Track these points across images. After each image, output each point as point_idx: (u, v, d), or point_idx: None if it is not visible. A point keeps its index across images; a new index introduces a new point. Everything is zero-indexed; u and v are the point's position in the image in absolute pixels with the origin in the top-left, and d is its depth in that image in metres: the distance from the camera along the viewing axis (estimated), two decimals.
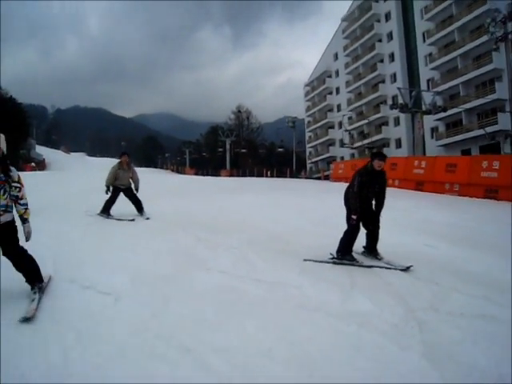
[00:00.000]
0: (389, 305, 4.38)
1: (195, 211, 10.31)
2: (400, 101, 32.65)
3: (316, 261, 6.07)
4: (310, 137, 76.32)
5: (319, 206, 11.80)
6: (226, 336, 3.63)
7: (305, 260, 6.09)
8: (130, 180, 9.81)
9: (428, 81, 46.60)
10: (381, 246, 6.27)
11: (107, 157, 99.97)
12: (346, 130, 55.37)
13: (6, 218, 4.25)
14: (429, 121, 40.12)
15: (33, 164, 61.34)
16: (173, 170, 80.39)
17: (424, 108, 30.17)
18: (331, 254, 6.17)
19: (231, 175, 52.41)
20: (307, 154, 76.11)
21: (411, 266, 5.69)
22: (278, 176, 47.75)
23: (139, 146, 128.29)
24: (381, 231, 6.29)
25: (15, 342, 3.41)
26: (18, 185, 4.34)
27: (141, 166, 65.92)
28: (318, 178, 45.29)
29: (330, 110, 68.74)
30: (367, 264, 6.01)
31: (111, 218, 9.31)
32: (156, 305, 4.25)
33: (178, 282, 5.00)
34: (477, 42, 38.87)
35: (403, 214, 10.03)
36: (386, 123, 54.89)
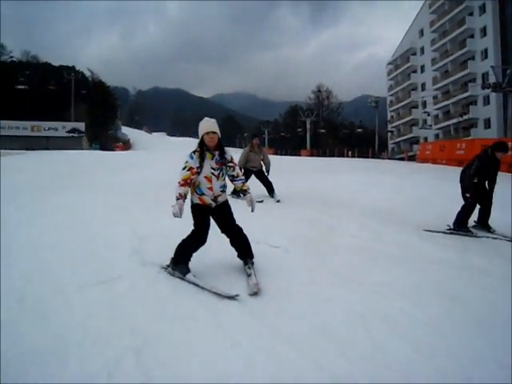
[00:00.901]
0: (498, 262, 5.25)
1: (304, 189, 11.01)
2: (493, 80, 31.43)
3: (434, 231, 6.89)
4: (392, 116, 74.79)
5: (415, 186, 12.36)
6: (379, 275, 4.69)
7: (424, 230, 6.91)
8: (261, 162, 9.98)
9: None
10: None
11: (186, 136, 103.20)
12: (425, 112, 53.97)
13: (223, 197, 4.60)
14: None
15: (121, 143, 65.27)
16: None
17: None
18: (448, 225, 7.00)
19: (311, 155, 52.63)
20: (389, 134, 74.68)
21: None
22: (359, 156, 47.37)
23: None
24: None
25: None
26: (232, 164, 4.59)
27: None
28: (401, 159, 44.56)
29: (414, 89, 66.94)
30: (481, 235, 6.74)
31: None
32: (315, 256, 5.27)
33: (324, 241, 6.01)
34: None
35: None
36: (474, 102, 52.79)
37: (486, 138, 32.25)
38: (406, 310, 3.78)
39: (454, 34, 55.52)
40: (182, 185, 4.28)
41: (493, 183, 7.13)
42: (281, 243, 5.68)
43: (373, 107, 59.37)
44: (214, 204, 4.50)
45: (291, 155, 50.70)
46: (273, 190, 9.79)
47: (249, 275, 4.46)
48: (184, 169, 4.33)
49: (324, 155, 50.82)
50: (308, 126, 66.13)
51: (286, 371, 2.88)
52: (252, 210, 4.54)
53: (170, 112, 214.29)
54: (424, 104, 61.79)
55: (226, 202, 4.64)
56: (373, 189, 11.42)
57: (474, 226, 7.11)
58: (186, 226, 4.50)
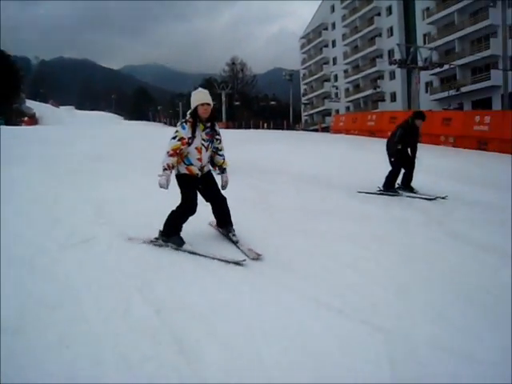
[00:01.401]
0: (416, 214, 6.45)
1: (236, 159, 11.60)
2: (398, 56, 33.87)
3: (368, 192, 7.91)
4: (305, 90, 77.01)
5: (336, 154, 13.62)
6: (320, 225, 5.60)
7: (358, 191, 7.92)
8: None
9: (424, 35, 47.31)
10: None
11: (97, 110, 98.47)
12: (334, 86, 56.69)
13: (208, 167, 4.65)
14: (424, 75, 41.29)
15: (26, 118, 60.60)
16: (165, 124, 79.33)
17: (421, 64, 31.52)
18: (378, 187, 8.05)
19: (227, 127, 52.90)
20: (302, 106, 77.07)
21: (446, 196, 7.47)
22: (274, 128, 48.53)
23: (130, 99, 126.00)
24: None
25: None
26: (219, 137, 4.63)
27: (131, 120, 63.77)
28: (315, 130, 46.69)
29: (326, 63, 69.30)
30: (406, 195, 7.83)
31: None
32: (264, 215, 6.07)
33: (267, 203, 6.81)
34: None
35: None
36: (381, 77, 55.93)
37: (393, 111, 34.91)
38: (347, 249, 4.72)
39: (362, 12, 58.05)
40: (170, 155, 4.30)
41: (414, 150, 8.10)
42: (231, 205, 6.45)
43: (287, 80, 61.09)
44: (200, 174, 4.55)
45: None
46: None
47: (236, 242, 4.64)
48: (174, 138, 4.32)
49: (240, 127, 51.34)
50: (223, 99, 66.10)
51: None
52: (223, 189, 4.72)
53: (77, 84, 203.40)
54: (336, 78, 64.57)
55: (210, 171, 4.72)
56: (298, 157, 12.44)
57: (398, 188, 8.10)
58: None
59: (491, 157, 13.87)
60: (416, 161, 8.12)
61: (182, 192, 4.49)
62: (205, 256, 4.27)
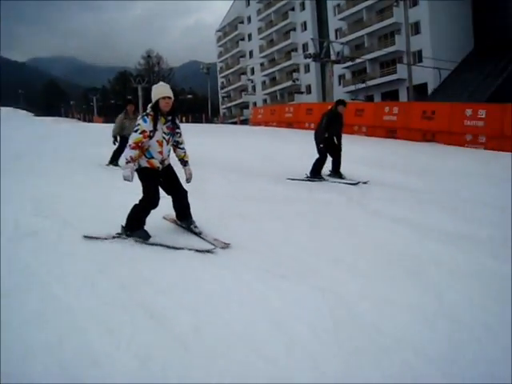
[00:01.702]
0: (338, 196, 7.04)
1: None
2: (312, 50, 35.15)
3: (295, 179, 8.39)
4: (222, 83, 77.30)
5: (255, 144, 14.11)
6: (250, 208, 5.94)
7: (288, 179, 8.40)
8: None
9: (336, 30, 49.32)
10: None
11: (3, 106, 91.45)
12: (249, 79, 57.67)
13: (168, 161, 4.70)
14: (337, 69, 43.16)
15: None
16: (79, 119, 75.83)
17: (334, 58, 33.01)
18: (306, 174, 8.52)
19: None
20: (220, 99, 77.37)
21: (368, 181, 8.13)
22: (193, 122, 48.22)
23: (39, 94, 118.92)
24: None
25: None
26: (180, 131, 4.73)
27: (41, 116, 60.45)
28: (234, 123, 47.23)
29: (243, 56, 70.08)
30: (331, 181, 8.41)
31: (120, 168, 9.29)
32: (200, 201, 6.21)
33: (201, 191, 6.83)
34: None
35: None
36: (296, 70, 57.42)
37: (310, 103, 36.14)
38: (280, 228, 5.19)
39: (277, 6, 59.32)
40: (133, 147, 4.34)
41: (339, 137, 8.62)
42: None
43: (204, 73, 61.05)
44: (161, 167, 4.60)
45: None
46: None
47: (200, 233, 4.74)
48: (136, 131, 4.36)
49: None
50: (140, 93, 64.41)
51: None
52: (188, 182, 4.81)
53: None
54: (252, 71, 65.53)
55: (170, 164, 4.76)
56: (222, 149, 12.74)
57: (329, 175, 8.62)
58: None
59: (400, 144, 15.03)
60: (342, 147, 8.67)
61: (143, 186, 4.52)
62: (174, 247, 4.32)
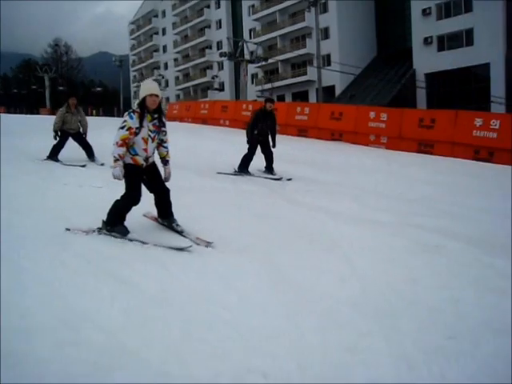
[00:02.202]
0: (261, 188, 7.71)
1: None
2: (226, 49, 35.85)
3: (225, 173, 8.80)
4: (134, 76, 75.86)
5: (175, 139, 14.24)
6: (189, 200, 6.07)
7: (217, 172, 8.80)
8: (79, 124, 9.39)
9: (250, 30, 50.59)
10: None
11: None
12: (160, 75, 57.39)
13: (153, 158, 4.69)
14: (250, 68, 44.23)
15: None
16: None
17: (248, 57, 33.90)
18: (234, 168, 8.94)
19: (52, 114, 48.82)
20: (132, 93, 75.73)
21: (291, 178, 8.64)
22: (104, 115, 46.80)
23: None
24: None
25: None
26: (165, 129, 4.73)
27: None
28: None
29: (156, 51, 69.24)
30: (257, 175, 8.88)
31: (61, 164, 8.94)
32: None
33: None
34: (293, 0, 43.67)
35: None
36: (210, 67, 57.82)
37: (225, 100, 36.82)
38: (214, 214, 5.69)
39: (192, 2, 59.50)
40: (120, 145, 4.34)
41: (274, 132, 8.95)
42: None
43: (116, 66, 59.53)
44: (144, 164, 4.59)
45: (29, 114, 45.46)
46: (93, 153, 9.37)
47: (181, 232, 4.77)
48: (122, 128, 4.35)
49: None
50: (47, 83, 61.50)
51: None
52: (166, 181, 4.80)
53: None
54: (166, 66, 64.95)
55: (154, 162, 4.77)
56: None
57: (264, 171, 9.04)
58: None
59: (310, 142, 16.04)
60: (273, 147, 9.02)
61: (126, 182, 4.50)
62: (152, 244, 4.35)
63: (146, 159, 4.57)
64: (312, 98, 41.35)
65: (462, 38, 33.29)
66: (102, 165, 8.85)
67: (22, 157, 9.27)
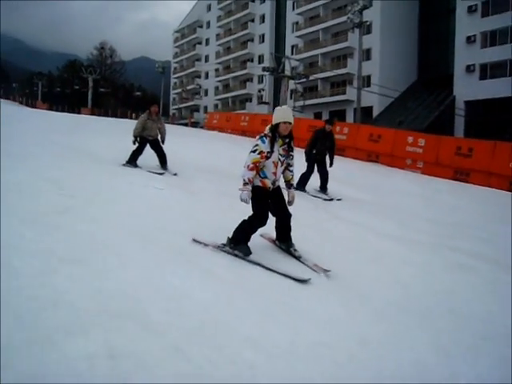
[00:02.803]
0: (308, 203, 8.28)
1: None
2: (268, 63, 36.62)
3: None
4: (175, 83, 77.66)
5: (222, 150, 15.01)
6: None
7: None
8: (158, 131, 9.43)
9: (292, 47, 51.32)
10: None
11: None
12: (197, 84, 58.60)
13: (278, 182, 4.76)
14: (289, 83, 45.04)
15: None
16: (21, 103, 71.62)
17: (289, 73, 34.60)
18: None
19: (92, 114, 49.94)
20: (171, 99, 77.47)
21: (341, 198, 8.89)
22: None
23: None
24: None
25: None
26: (293, 154, 4.81)
27: None
28: (185, 125, 47.64)
29: (198, 60, 70.73)
30: (312, 194, 9.02)
31: (140, 169, 9.03)
32: (190, 195, 7.27)
33: (188, 185, 8.20)
34: (337, 20, 44.18)
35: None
36: (250, 79, 58.86)
37: (265, 114, 37.50)
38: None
39: (237, 16, 60.84)
40: (251, 168, 4.44)
41: (332, 152, 9.14)
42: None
43: (160, 72, 61.00)
44: (272, 187, 4.67)
45: (70, 112, 46.15)
46: (166, 161, 9.42)
47: (299, 257, 4.80)
48: (254, 152, 4.46)
49: (106, 115, 48.79)
50: (90, 84, 63.29)
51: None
52: (290, 205, 4.85)
53: None
54: (206, 75, 66.38)
55: (279, 186, 4.84)
56: (191, 151, 13.46)
57: (319, 191, 9.17)
58: None
59: (348, 162, 16.46)
60: (330, 166, 9.22)
61: (254, 204, 4.58)
62: (270, 269, 4.35)
63: (274, 182, 4.67)
64: (349, 117, 41.79)
65: (506, 67, 33.30)
66: (175, 175, 9.04)
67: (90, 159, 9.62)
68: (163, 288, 3.49)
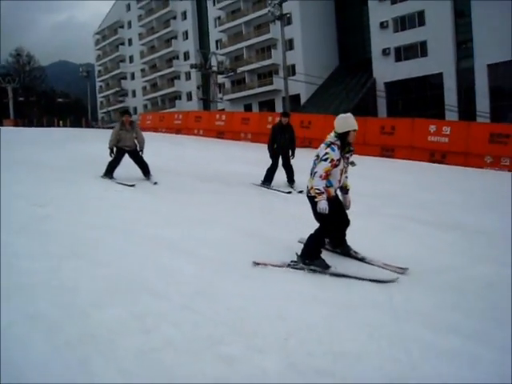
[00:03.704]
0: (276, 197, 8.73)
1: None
2: (194, 60, 36.95)
3: (255, 184, 9.35)
4: (100, 86, 75.84)
5: (169, 151, 15.23)
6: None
7: (252, 183, 9.45)
8: (135, 141, 9.15)
9: (217, 42, 51.94)
10: None
11: None
12: (122, 89, 57.22)
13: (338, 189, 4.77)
14: (217, 78, 45.66)
15: None
16: None
17: (217, 68, 35.22)
18: (261, 180, 9.31)
19: (16, 125, 47.02)
20: (98, 103, 75.65)
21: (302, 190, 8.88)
22: (72, 126, 46.11)
23: None
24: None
25: None
26: (352, 160, 4.71)
27: None
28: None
29: (123, 61, 69.42)
30: (275, 188, 9.17)
31: (114, 181, 8.79)
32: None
33: (191, 189, 8.68)
34: (258, 12, 45.34)
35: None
36: (177, 77, 58.59)
37: (198, 111, 37.96)
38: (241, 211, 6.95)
39: (159, 14, 60.18)
40: (323, 178, 4.40)
41: (293, 144, 9.12)
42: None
43: (84, 76, 59.39)
44: (334, 195, 4.65)
45: None
46: (149, 171, 9.25)
47: (363, 259, 4.83)
48: (325, 160, 4.39)
49: (31, 125, 45.37)
50: (10, 95, 60.13)
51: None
52: (347, 209, 4.83)
53: None
54: (133, 76, 65.43)
55: (337, 193, 4.80)
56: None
57: (288, 185, 9.22)
58: None
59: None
60: (292, 158, 9.27)
61: (321, 215, 4.46)
62: (356, 278, 4.32)
63: (335, 190, 4.69)
64: (278, 106, 42.97)
65: (417, 49, 35.74)
66: (155, 184, 8.97)
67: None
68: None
